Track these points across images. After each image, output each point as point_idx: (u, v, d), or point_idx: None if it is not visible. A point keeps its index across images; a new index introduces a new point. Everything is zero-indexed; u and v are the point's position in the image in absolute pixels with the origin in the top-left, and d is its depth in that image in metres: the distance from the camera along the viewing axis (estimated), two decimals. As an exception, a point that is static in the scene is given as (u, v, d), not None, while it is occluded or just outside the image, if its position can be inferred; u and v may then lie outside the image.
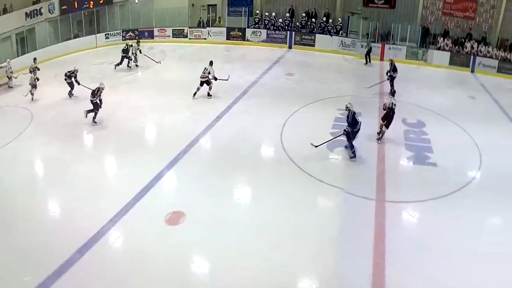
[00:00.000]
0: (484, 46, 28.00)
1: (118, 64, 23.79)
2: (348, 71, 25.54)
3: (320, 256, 10.13)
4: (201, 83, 19.29)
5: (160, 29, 29.78)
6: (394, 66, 20.89)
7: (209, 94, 19.36)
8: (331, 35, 27.96)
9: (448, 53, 27.49)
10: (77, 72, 19.23)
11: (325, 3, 29.98)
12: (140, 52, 24.10)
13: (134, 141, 15.22)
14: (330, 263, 10.00)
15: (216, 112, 17.73)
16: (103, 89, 16.51)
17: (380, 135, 16.10)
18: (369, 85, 21.82)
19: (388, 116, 15.82)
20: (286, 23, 28.88)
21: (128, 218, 11.02)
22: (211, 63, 19.52)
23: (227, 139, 15.66)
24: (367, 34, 28.48)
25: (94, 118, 16.53)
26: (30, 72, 19.57)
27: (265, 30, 28.92)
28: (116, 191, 12.38)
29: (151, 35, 29.60)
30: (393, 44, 27.73)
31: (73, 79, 19.22)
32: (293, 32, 28.61)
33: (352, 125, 14.28)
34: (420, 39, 28.44)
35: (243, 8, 30.23)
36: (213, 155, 14.78)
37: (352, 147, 14.73)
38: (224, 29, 29.45)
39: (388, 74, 21.04)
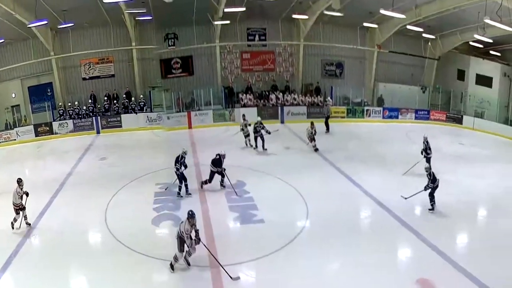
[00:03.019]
0: (289, 95, 32.18)
1: None
2: (159, 145, 28.19)
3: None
4: (17, 211, 17.58)
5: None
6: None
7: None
8: (136, 113, 30.40)
9: (255, 108, 31.14)
10: None
11: (124, 83, 32.18)
12: None
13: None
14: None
15: (38, 209, 17.76)
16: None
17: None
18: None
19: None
20: (90, 110, 30.55)
21: None
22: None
23: (54, 235, 15.81)
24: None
25: None
26: None
27: (71, 120, 30.37)
28: None
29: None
30: (199, 110, 30.99)
31: None
32: (98, 117, 30.39)
33: (433, 182, 17.01)
34: (224, 100, 31.84)
35: (45, 103, 31.46)
36: (44, 252, 14.89)
37: (432, 199, 17.37)
38: (31, 127, 30.41)
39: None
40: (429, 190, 17.37)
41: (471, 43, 34.60)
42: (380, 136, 31.21)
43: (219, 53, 33.84)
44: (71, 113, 30.46)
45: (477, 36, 28.75)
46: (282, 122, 32.44)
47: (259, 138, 25.97)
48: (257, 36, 34.72)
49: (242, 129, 25.75)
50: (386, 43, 36.17)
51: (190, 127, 30.95)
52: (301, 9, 31.08)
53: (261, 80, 35.08)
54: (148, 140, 29.16)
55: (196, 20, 31.57)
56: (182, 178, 19.40)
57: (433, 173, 17.19)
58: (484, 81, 36.41)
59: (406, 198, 17.73)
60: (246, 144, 25.77)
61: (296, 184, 20.49)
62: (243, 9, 27.19)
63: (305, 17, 32.07)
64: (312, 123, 25.40)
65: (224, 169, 18.93)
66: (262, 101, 33.01)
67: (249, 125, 25.94)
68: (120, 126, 30.34)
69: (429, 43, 37.36)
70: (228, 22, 31.46)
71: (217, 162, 18.80)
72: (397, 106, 36.54)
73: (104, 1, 21.77)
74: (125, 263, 14.07)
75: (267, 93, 33.54)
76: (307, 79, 36.44)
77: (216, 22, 31.16)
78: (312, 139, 25.11)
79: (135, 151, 26.64)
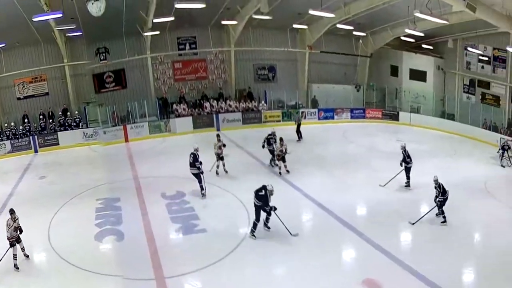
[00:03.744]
0: (223, 102, 33.23)
1: None
2: (97, 160, 28.51)
3: None
4: (11, 244, 17.16)
5: None
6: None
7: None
8: (72, 129, 30.79)
9: (190, 118, 32.37)
10: None
11: (59, 100, 32.40)
12: None
13: None
14: None
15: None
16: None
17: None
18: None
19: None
20: (27, 129, 30.62)
21: None
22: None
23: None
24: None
25: None
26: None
27: (8, 141, 30.20)
28: None
29: None
30: (134, 123, 31.77)
31: None
32: (35, 136, 30.50)
33: (443, 194, 16.99)
34: (159, 111, 32.79)
35: (-20, 126, 31.01)
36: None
37: (443, 212, 17.31)
38: (-32, 150, 29.95)
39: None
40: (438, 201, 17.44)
41: (402, 38, 36.38)
42: (317, 138, 32.16)
43: (151, 64, 34.67)
44: (8, 134, 30.55)
45: (408, 31, 29.95)
46: (218, 129, 33.08)
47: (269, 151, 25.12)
48: (187, 45, 35.88)
49: (217, 154, 23.57)
50: (317, 43, 37.74)
51: (126, 140, 31.68)
52: (229, 15, 31.99)
53: (194, 89, 36.12)
54: (86, 156, 29.48)
55: (126, 33, 32.20)
56: (199, 178, 20.81)
57: (442, 185, 17.24)
58: (418, 75, 38.42)
59: (413, 224, 17.50)
60: (217, 173, 23.65)
61: (235, 191, 21.09)
62: (172, 18, 27.55)
63: (234, 22, 33.10)
64: (281, 139, 23.77)
65: (274, 208, 16.63)
66: (196, 110, 33.93)
67: (224, 145, 23.94)
68: (58, 144, 30.60)
69: (360, 41, 39.16)
70: (157, 32, 32.16)
71: (262, 197, 16.73)
72: (332, 107, 38.05)
73: (33, 19, 21.97)
74: (70, 281, 14.25)
75: (201, 101, 34.52)
76: (240, 84, 37.58)
77: (146, 33, 31.92)
78: (282, 158, 23.62)
79: (73, 168, 26.72)
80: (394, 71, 40.50)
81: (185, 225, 18.10)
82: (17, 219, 15.72)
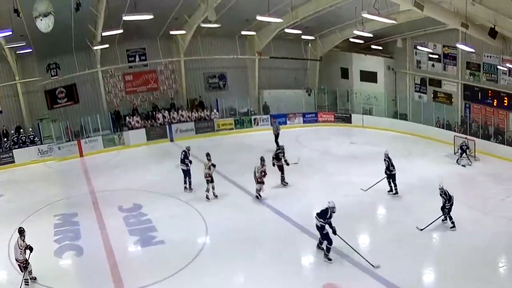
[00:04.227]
0: (175, 112, 34.08)
1: None
2: (53, 176, 28.61)
3: None
4: (21, 268, 16.64)
5: None
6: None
7: None
8: (28, 146, 30.84)
9: (143, 130, 33.17)
10: None
11: (12, 118, 32.49)
12: None
13: None
14: None
15: None
16: None
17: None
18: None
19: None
20: None
21: None
22: None
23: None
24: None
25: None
26: None
27: None
28: None
29: None
30: (88, 137, 32.21)
31: None
32: None
33: (449, 200, 17.31)
34: (112, 125, 33.33)
35: None
36: None
37: (451, 218, 17.60)
38: None
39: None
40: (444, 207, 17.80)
41: (351, 39, 37.31)
42: (269, 144, 31.71)
43: (102, 78, 35.12)
44: (-38, 155, 30.00)
45: (356, 32, 30.46)
46: (172, 140, 34.47)
47: (277, 168, 24.31)
48: (137, 57, 36.52)
49: (208, 175, 22.17)
50: (266, 49, 38.82)
51: (81, 155, 32.12)
52: (178, 24, 32.83)
53: (146, 101, 36.73)
54: (42, 173, 29.40)
55: (75, 47, 32.38)
56: (188, 174, 22.75)
57: (447, 191, 17.53)
58: (368, 76, 39.63)
59: (422, 229, 17.62)
60: (208, 197, 22.22)
61: (192, 201, 21.75)
62: (121, 31, 27.72)
63: (183, 32, 33.84)
64: (262, 159, 22.08)
65: (333, 231, 15.97)
66: (149, 121, 34.74)
67: (214, 165, 22.47)
68: (13, 161, 30.77)
69: (309, 45, 40.28)
70: (107, 46, 32.26)
71: (323, 214, 16.11)
72: (284, 112, 39.29)
73: (-18, 38, 21.29)
74: None
75: (153, 113, 35.26)
76: (192, 94, 38.36)
77: (95, 47, 32.21)
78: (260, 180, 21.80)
79: (30, 185, 26.69)
80: (345, 73, 41.74)
81: (143, 237, 18.37)
82: (24, 239, 15.09)
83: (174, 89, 38.20)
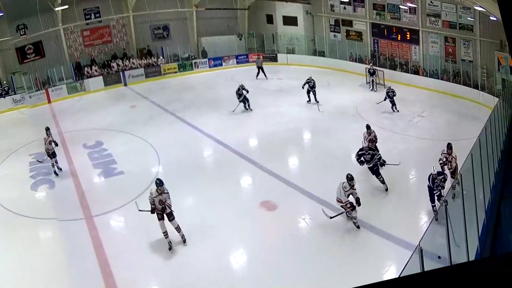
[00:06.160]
0: (127, 60, 37.36)
1: None
2: (27, 121, 29.82)
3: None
4: (49, 155, 19.48)
5: None
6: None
7: None
8: (4, 97, 33.07)
9: (101, 77, 36.74)
10: None
11: None
12: None
13: None
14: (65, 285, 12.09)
15: None
16: None
17: None
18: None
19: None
20: None
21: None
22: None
23: None
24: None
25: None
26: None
27: None
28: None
29: None
30: (55, 86, 34.95)
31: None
32: None
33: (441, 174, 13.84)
34: (74, 74, 36.61)
35: None
36: None
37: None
38: None
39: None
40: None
41: None
42: (209, 83, 35.50)
43: (63, 34, 37.19)
44: None
45: None
46: (125, 84, 37.38)
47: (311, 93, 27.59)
48: (92, 15, 38.59)
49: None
50: (202, 2, 41.58)
51: (49, 102, 33.97)
52: None
53: (102, 52, 39.54)
54: (17, 119, 30.44)
55: (40, 9, 34.43)
56: (245, 99, 25.59)
57: (439, 173, 14.01)
58: (290, 21, 42.69)
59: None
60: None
61: (145, 136, 23.06)
62: None
63: None
64: (368, 127, 19.38)
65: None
66: (105, 69, 37.71)
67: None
68: None
69: None
70: (67, 6, 35.14)
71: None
72: (220, 55, 42.48)
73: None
74: (13, 226, 15.53)
75: (109, 62, 38.14)
76: (140, 44, 41.19)
77: (56, 8, 34.91)
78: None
79: (8, 130, 27.62)
80: (270, 19, 44.55)
81: (106, 169, 19.65)
82: (50, 136, 19.03)
83: (125, 40, 40.72)
